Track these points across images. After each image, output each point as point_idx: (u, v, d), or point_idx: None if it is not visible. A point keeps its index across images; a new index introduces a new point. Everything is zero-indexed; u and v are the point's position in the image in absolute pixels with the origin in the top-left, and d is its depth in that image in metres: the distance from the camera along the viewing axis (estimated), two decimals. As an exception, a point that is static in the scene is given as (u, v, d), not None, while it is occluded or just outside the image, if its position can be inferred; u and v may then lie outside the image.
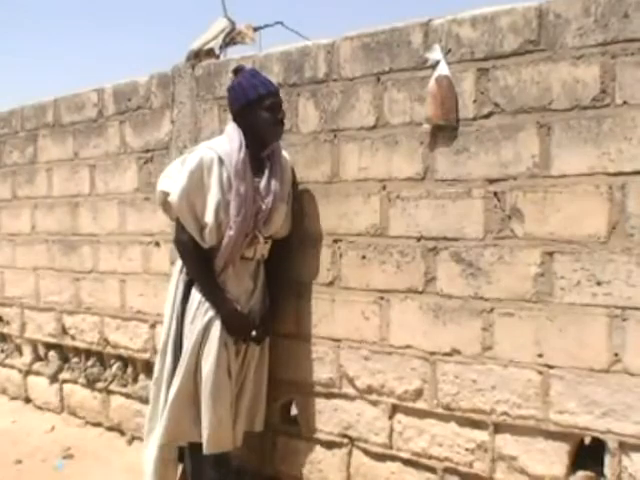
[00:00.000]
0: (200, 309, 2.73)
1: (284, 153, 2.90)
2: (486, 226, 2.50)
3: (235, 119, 2.78)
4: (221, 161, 2.68)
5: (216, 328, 2.70)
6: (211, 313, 2.72)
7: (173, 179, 2.76)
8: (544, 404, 2.40)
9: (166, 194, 2.77)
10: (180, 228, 2.76)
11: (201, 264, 2.74)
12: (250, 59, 3.22)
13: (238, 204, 2.66)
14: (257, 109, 2.69)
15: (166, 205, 2.83)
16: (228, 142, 2.72)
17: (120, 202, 3.90)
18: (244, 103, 2.71)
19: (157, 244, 3.72)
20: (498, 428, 2.52)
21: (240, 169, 2.66)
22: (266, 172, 2.76)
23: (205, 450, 2.71)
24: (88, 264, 4.10)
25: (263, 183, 2.74)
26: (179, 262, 2.89)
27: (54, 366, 4.42)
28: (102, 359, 4.14)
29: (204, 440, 2.70)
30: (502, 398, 2.49)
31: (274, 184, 2.76)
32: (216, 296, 2.73)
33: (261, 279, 2.89)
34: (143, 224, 3.78)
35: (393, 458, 2.81)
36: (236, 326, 2.74)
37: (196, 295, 2.76)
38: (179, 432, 2.77)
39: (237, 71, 2.83)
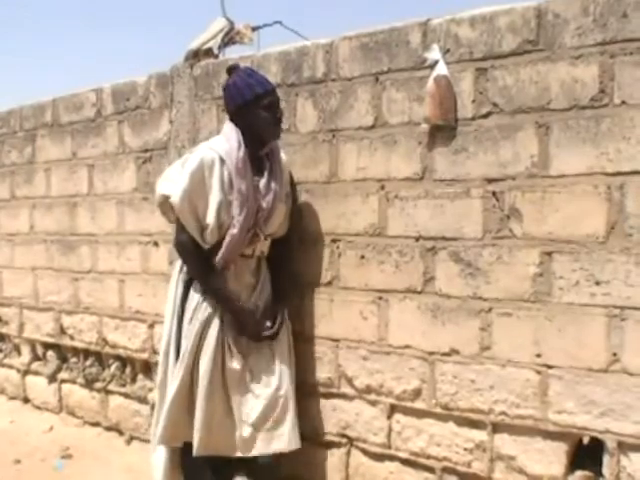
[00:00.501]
0: (198, 309, 2.71)
1: (282, 153, 2.88)
2: (485, 226, 2.50)
3: (232, 119, 2.76)
4: (222, 161, 2.66)
5: (214, 328, 2.68)
6: (209, 312, 2.70)
7: (174, 181, 2.73)
8: (542, 404, 2.40)
9: (166, 197, 2.74)
10: (180, 229, 2.74)
11: (203, 264, 2.72)
12: (248, 59, 3.22)
13: (240, 203, 2.64)
14: (254, 109, 2.67)
15: (164, 207, 2.81)
16: (226, 141, 2.70)
17: (118, 202, 3.90)
18: (240, 103, 2.69)
19: (156, 244, 3.71)
20: (496, 428, 2.52)
21: (241, 167, 2.65)
22: (266, 171, 2.75)
23: (195, 452, 2.66)
24: (87, 264, 4.10)
25: (263, 182, 2.72)
26: (178, 262, 2.87)
27: (52, 366, 4.42)
28: (101, 359, 4.14)
29: (194, 441, 2.66)
30: (500, 398, 2.49)
31: (274, 183, 2.74)
32: (222, 296, 2.71)
33: (263, 275, 2.85)
34: (142, 224, 3.77)
35: (392, 458, 2.81)
36: (245, 324, 2.71)
37: (195, 295, 2.74)
38: (177, 433, 2.74)
39: (231, 70, 2.78)
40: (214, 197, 2.65)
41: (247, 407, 2.70)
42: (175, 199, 2.67)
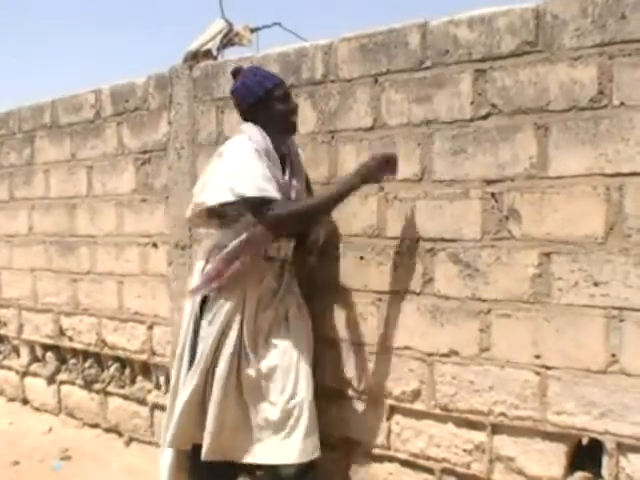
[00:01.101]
0: (219, 312, 2.63)
1: (299, 150, 2.84)
2: (484, 227, 2.51)
3: (245, 119, 2.71)
4: (257, 151, 2.59)
5: (233, 332, 2.62)
6: (230, 315, 2.62)
7: (240, 178, 2.52)
8: (541, 405, 2.40)
9: (238, 198, 2.52)
10: (265, 211, 2.52)
11: (300, 205, 2.59)
12: (248, 60, 3.22)
13: (280, 191, 2.58)
14: (268, 102, 2.63)
15: (208, 216, 2.71)
16: (250, 137, 2.61)
17: (117, 203, 3.90)
18: (253, 101, 2.65)
19: (155, 245, 3.71)
20: (496, 429, 2.52)
21: (274, 156, 2.61)
22: (287, 168, 2.69)
23: (203, 455, 2.62)
24: (85, 265, 4.10)
25: (286, 179, 2.67)
26: (199, 263, 2.77)
27: (51, 367, 4.42)
28: (100, 360, 4.14)
29: (204, 445, 2.62)
30: (499, 399, 2.49)
31: (295, 180, 2.70)
32: (338, 192, 2.56)
33: (286, 280, 2.77)
34: (140, 225, 3.78)
35: (391, 459, 2.81)
36: (370, 169, 2.54)
37: (216, 297, 2.66)
38: (187, 437, 2.70)
39: (236, 72, 2.76)
40: (270, 176, 2.56)
41: (262, 414, 2.63)
42: (255, 183, 2.49)
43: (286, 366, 2.65)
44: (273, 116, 2.65)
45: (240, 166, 2.55)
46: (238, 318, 2.64)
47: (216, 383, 2.61)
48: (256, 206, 2.53)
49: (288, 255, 2.79)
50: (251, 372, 2.63)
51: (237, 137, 2.68)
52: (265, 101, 2.64)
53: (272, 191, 2.51)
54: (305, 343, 2.76)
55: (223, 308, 2.64)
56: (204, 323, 2.67)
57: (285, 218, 2.54)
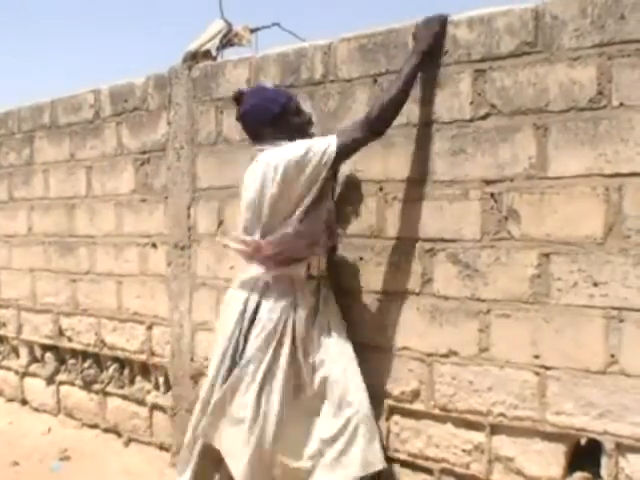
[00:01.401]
0: (269, 322, 2.58)
1: None
2: (483, 227, 2.51)
3: (259, 140, 2.68)
4: None
5: (286, 345, 2.57)
6: (282, 326, 2.58)
7: (317, 143, 2.55)
8: (541, 405, 2.40)
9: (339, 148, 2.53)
10: (359, 135, 2.55)
11: (388, 96, 2.51)
12: (247, 61, 3.23)
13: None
14: (285, 117, 2.65)
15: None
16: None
17: (117, 203, 3.90)
18: (270, 119, 2.64)
19: (154, 245, 3.71)
20: (495, 429, 2.52)
21: None
22: None
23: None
24: (85, 265, 4.10)
25: None
26: (253, 268, 2.68)
27: (51, 368, 4.41)
28: (99, 361, 4.14)
29: (242, 469, 2.54)
30: (499, 399, 2.49)
31: None
32: (413, 63, 2.52)
33: (322, 294, 2.73)
34: (140, 225, 3.77)
35: (390, 459, 2.80)
36: (428, 37, 2.55)
37: (267, 308, 2.61)
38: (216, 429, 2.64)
39: (239, 96, 2.74)
40: None
41: (317, 432, 2.58)
42: (332, 146, 2.52)
43: (335, 380, 2.60)
44: (290, 130, 2.65)
45: (307, 142, 2.56)
46: (290, 331, 2.60)
47: (275, 396, 2.55)
48: (353, 138, 2.55)
49: (324, 272, 2.77)
50: (306, 387, 2.60)
51: (279, 147, 2.61)
52: (282, 117, 2.65)
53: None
54: (351, 353, 2.70)
55: (272, 319, 2.59)
56: (253, 334, 2.60)
57: (383, 115, 2.51)
